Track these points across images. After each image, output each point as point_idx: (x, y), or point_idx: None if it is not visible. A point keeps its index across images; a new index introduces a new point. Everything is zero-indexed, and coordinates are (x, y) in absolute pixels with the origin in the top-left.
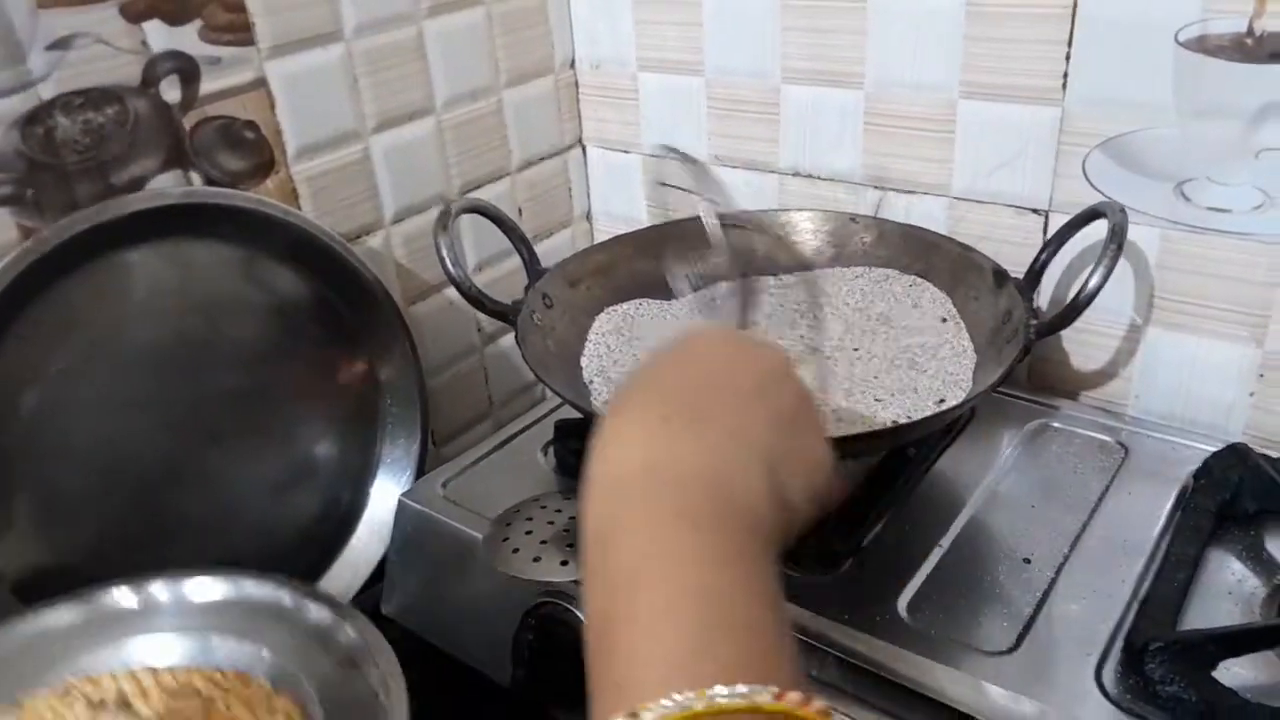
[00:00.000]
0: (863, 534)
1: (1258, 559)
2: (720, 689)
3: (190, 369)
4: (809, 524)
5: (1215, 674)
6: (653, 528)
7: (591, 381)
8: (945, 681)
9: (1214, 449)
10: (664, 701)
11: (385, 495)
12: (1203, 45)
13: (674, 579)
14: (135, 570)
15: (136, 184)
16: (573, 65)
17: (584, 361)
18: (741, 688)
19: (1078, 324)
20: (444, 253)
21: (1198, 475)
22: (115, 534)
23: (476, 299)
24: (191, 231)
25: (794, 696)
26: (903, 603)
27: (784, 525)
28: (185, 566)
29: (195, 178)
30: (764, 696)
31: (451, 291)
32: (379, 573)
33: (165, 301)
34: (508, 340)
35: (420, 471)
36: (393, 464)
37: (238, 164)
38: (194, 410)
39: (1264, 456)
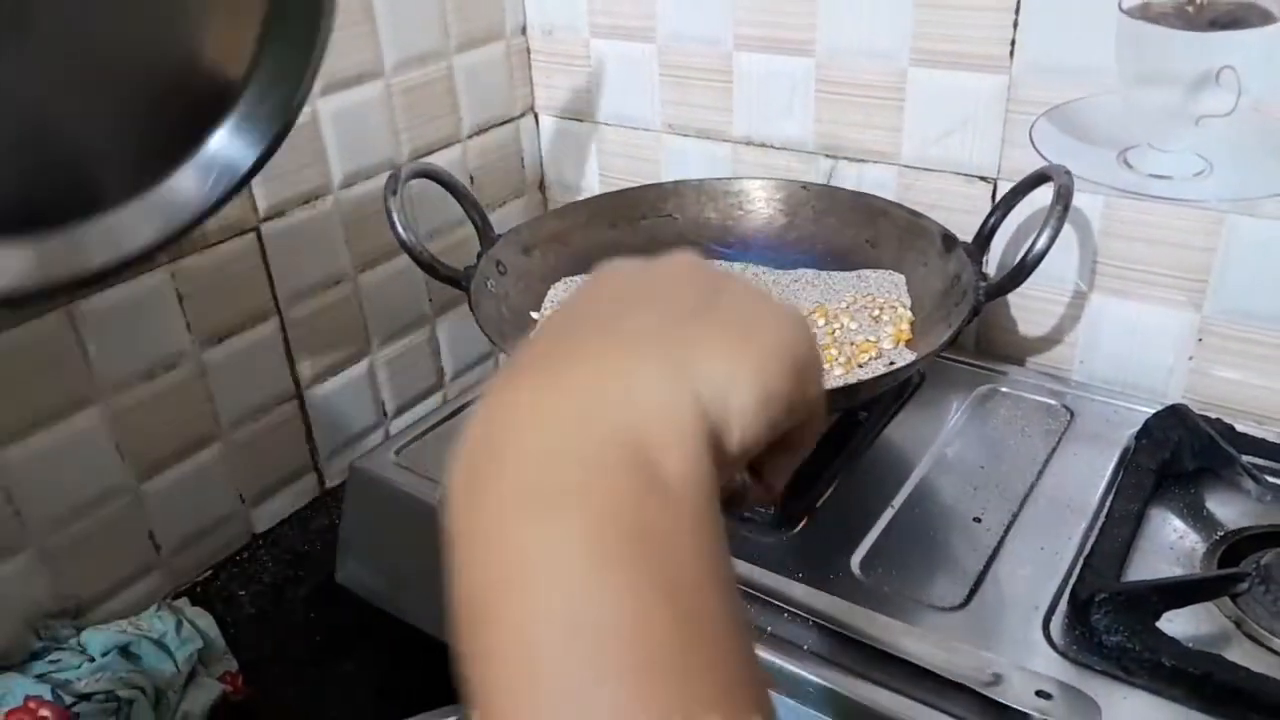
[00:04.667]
0: (816, 495)
1: (1197, 516)
2: None
3: None
4: (792, 442)
5: (1159, 625)
6: (519, 517)
7: None
8: (898, 636)
9: (1155, 411)
10: None
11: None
12: (1145, 13)
13: (549, 585)
14: None
15: None
16: (524, 31)
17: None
18: None
19: (1024, 290)
20: (395, 216)
21: (1139, 436)
22: None
23: (429, 264)
24: None
25: None
26: (855, 561)
27: (717, 445)
28: None
29: None
30: None
31: (401, 261)
32: (333, 540)
33: None
34: (459, 312)
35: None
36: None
37: None
38: None
39: (1203, 417)
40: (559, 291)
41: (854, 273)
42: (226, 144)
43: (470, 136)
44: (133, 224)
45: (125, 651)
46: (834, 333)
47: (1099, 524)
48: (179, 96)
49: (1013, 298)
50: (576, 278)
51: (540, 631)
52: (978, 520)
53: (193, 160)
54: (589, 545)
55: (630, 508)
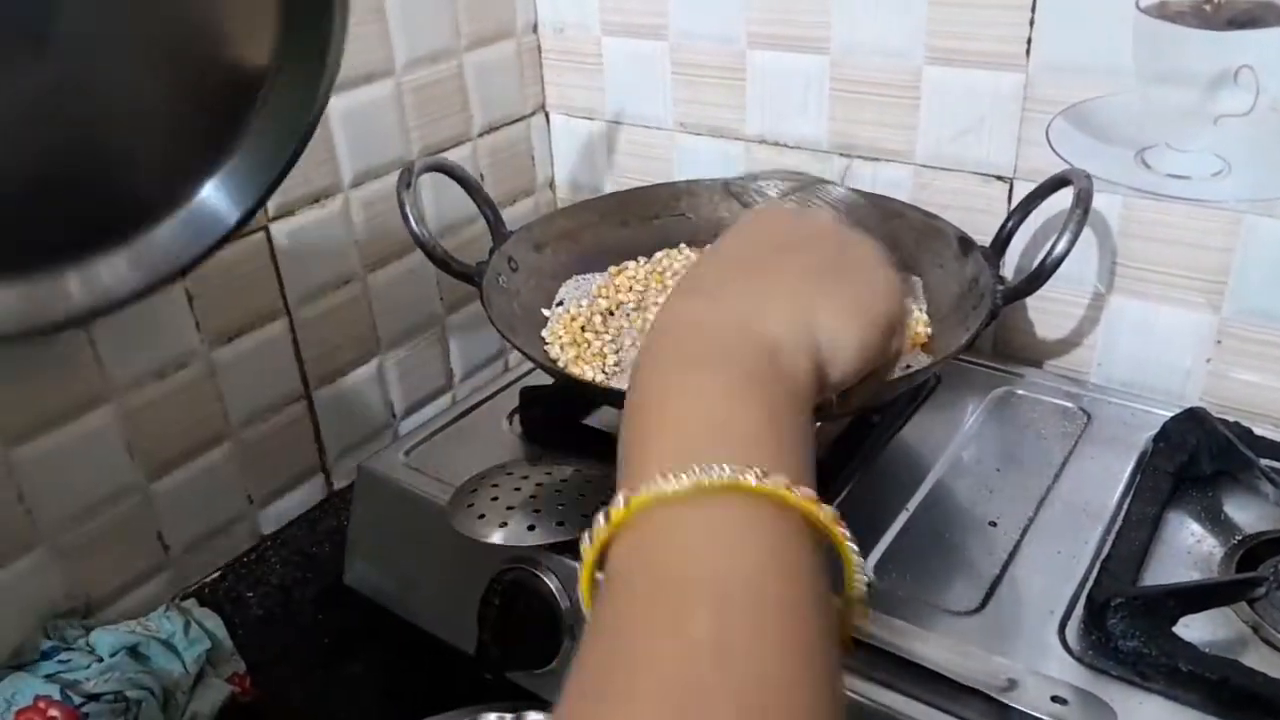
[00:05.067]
0: (830, 497)
1: (1215, 519)
2: (702, 471)
3: None
4: (869, 377)
5: (1175, 630)
6: (672, 367)
7: None
8: (912, 640)
9: (1172, 414)
10: (651, 485)
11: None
12: (1163, 11)
13: (683, 399)
14: None
15: None
16: (535, 29)
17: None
18: (724, 467)
19: (1041, 293)
20: (407, 210)
21: (1157, 439)
22: None
23: (441, 259)
24: None
25: (779, 479)
26: (870, 565)
27: (815, 370)
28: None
29: None
30: (748, 476)
31: (410, 260)
32: (341, 541)
33: None
34: (470, 310)
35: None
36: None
37: None
38: None
39: (1221, 420)
40: (570, 289)
41: None
42: (214, 195)
43: (481, 135)
44: (118, 269)
45: (134, 652)
46: None
47: (1116, 528)
48: (179, 137)
49: (1030, 299)
50: (587, 275)
51: (686, 424)
52: (993, 524)
53: (181, 211)
54: (728, 385)
55: (758, 371)
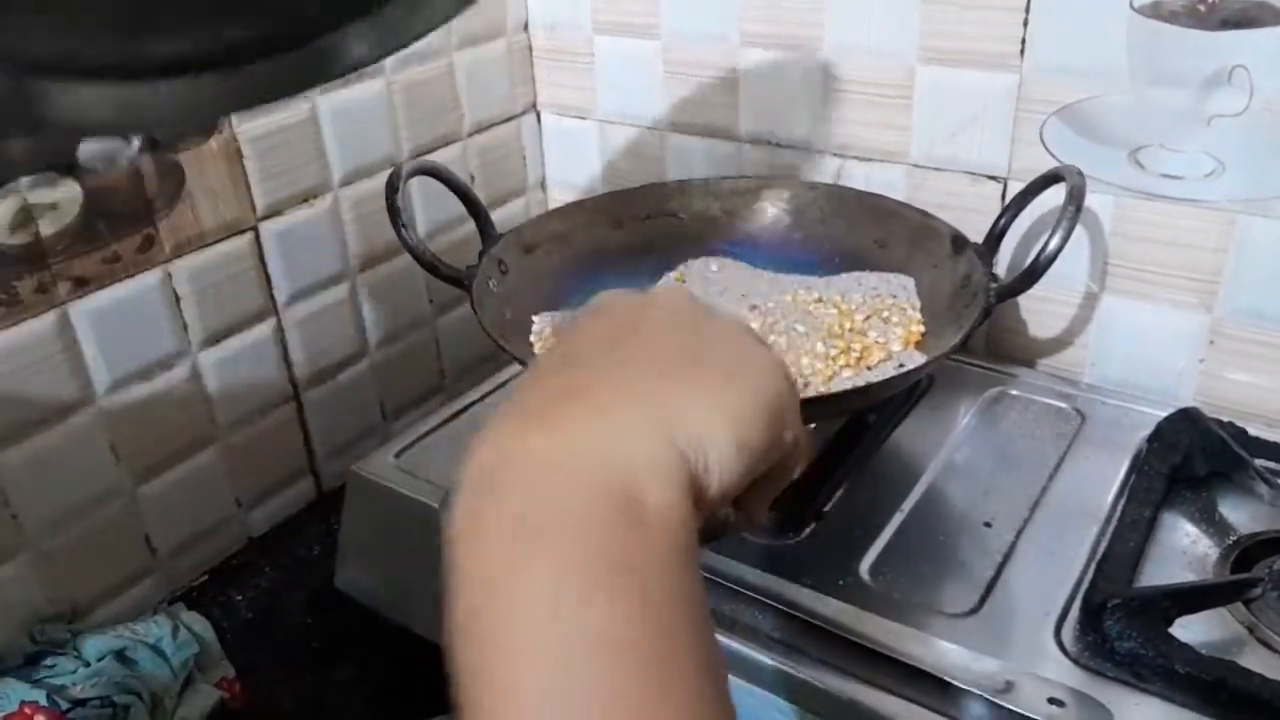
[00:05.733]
0: (824, 499)
1: (1210, 520)
2: None
3: None
4: (770, 481)
5: (1171, 631)
6: (504, 553)
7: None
8: (907, 642)
9: (1166, 414)
10: None
11: None
12: (1157, 11)
13: (530, 619)
14: None
15: None
16: (526, 28)
17: None
18: None
19: (1034, 292)
20: (395, 215)
21: (1151, 440)
22: None
23: (430, 263)
24: None
25: None
26: (865, 566)
27: (697, 493)
28: None
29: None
30: None
31: (401, 260)
32: (331, 544)
33: None
34: (460, 312)
35: None
36: None
37: None
38: None
39: (1215, 420)
40: (542, 323)
41: (861, 274)
42: None
43: (471, 134)
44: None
45: (121, 656)
46: (844, 334)
47: (1111, 529)
48: None
49: (1023, 299)
50: (556, 313)
51: (528, 649)
52: (988, 525)
53: None
54: (577, 576)
55: (614, 544)
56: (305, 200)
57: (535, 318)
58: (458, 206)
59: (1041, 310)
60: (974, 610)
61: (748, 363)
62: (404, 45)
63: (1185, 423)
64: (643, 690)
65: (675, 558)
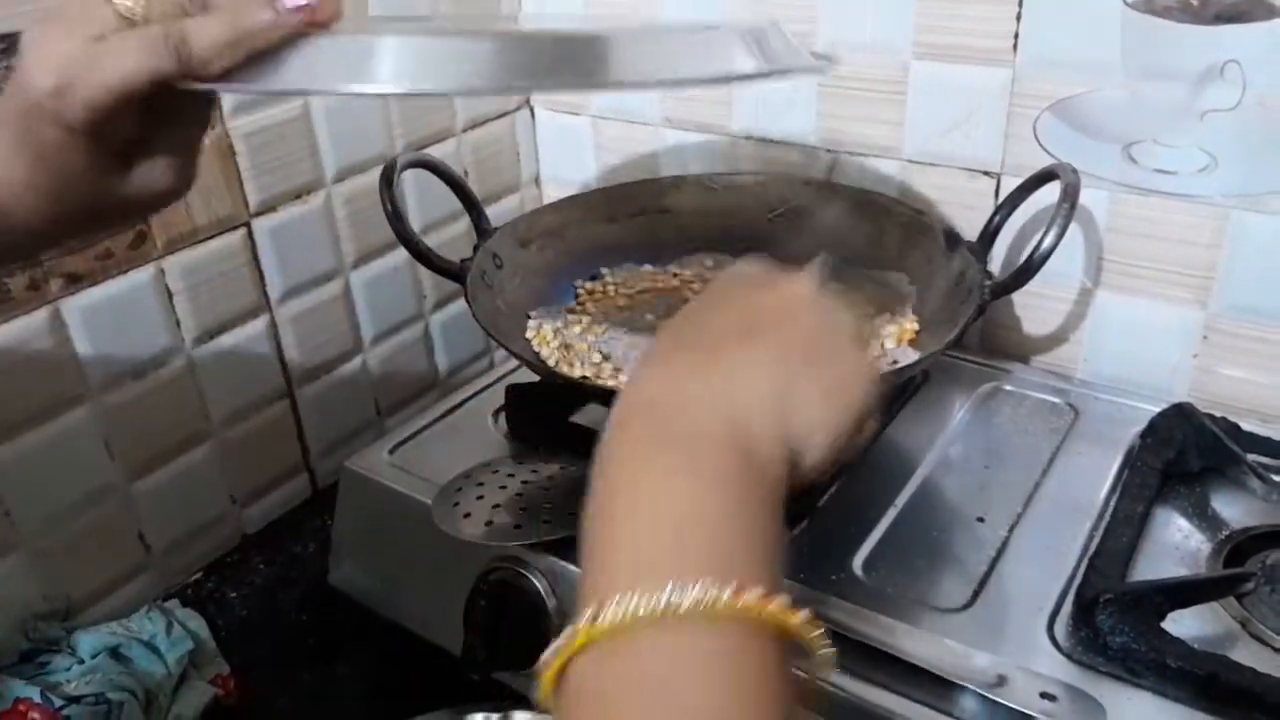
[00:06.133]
0: (818, 495)
1: (1203, 515)
2: (673, 590)
3: None
4: (837, 458)
5: (1164, 626)
6: (642, 453)
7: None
8: (901, 637)
9: (1160, 409)
10: (619, 602)
11: None
12: (1150, 6)
13: (653, 495)
14: None
15: None
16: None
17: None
18: (696, 588)
19: (1029, 288)
20: (390, 207)
21: (1144, 435)
22: None
23: (425, 256)
24: None
25: (753, 594)
26: (858, 562)
27: (787, 460)
28: None
29: None
30: (721, 596)
31: (395, 256)
32: (325, 541)
33: None
34: (454, 308)
35: None
36: None
37: None
38: None
39: (1208, 416)
40: (538, 316)
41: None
42: None
43: (465, 130)
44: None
45: (115, 653)
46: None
47: (1104, 524)
48: None
49: (1017, 295)
50: (551, 308)
51: (657, 526)
52: (981, 520)
53: None
54: (702, 483)
55: (732, 469)
56: (298, 196)
57: (531, 313)
58: (452, 202)
59: (1036, 306)
60: (967, 605)
61: (854, 371)
62: None
63: (1179, 418)
64: (731, 559)
65: (773, 499)
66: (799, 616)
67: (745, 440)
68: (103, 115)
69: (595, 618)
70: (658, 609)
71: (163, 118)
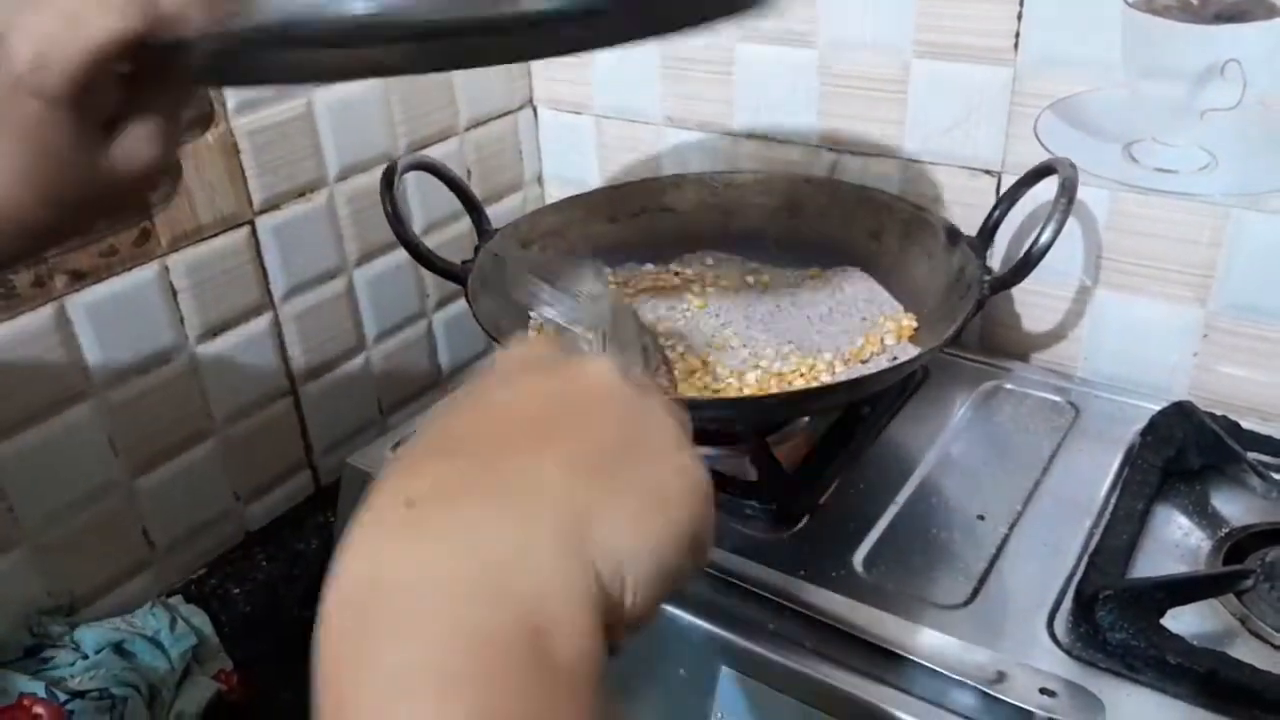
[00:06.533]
0: (819, 492)
1: (1203, 513)
2: None
3: None
4: (670, 591)
5: (1163, 622)
6: (392, 681)
7: None
8: (901, 634)
9: (1160, 407)
10: None
11: None
12: (1150, 5)
13: None
14: None
15: None
16: None
17: None
18: None
19: (1028, 286)
20: (390, 210)
21: (1144, 433)
22: None
23: (425, 258)
24: None
25: None
26: (859, 558)
27: (611, 617)
28: None
29: None
30: None
31: (397, 255)
32: (328, 538)
33: None
34: (456, 307)
35: None
36: None
37: None
38: None
39: (1208, 414)
40: (536, 319)
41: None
42: None
43: (468, 129)
44: None
45: (119, 649)
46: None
47: (1104, 521)
48: None
49: (1017, 293)
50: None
51: None
52: (981, 518)
53: None
54: (458, 691)
55: (519, 694)
56: (302, 195)
57: (532, 312)
58: (454, 203)
59: (1036, 304)
60: (967, 602)
61: (678, 479)
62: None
63: (1179, 416)
64: None
65: (577, 696)
66: None
67: (535, 627)
68: (82, 83)
69: None
70: None
71: (143, 84)
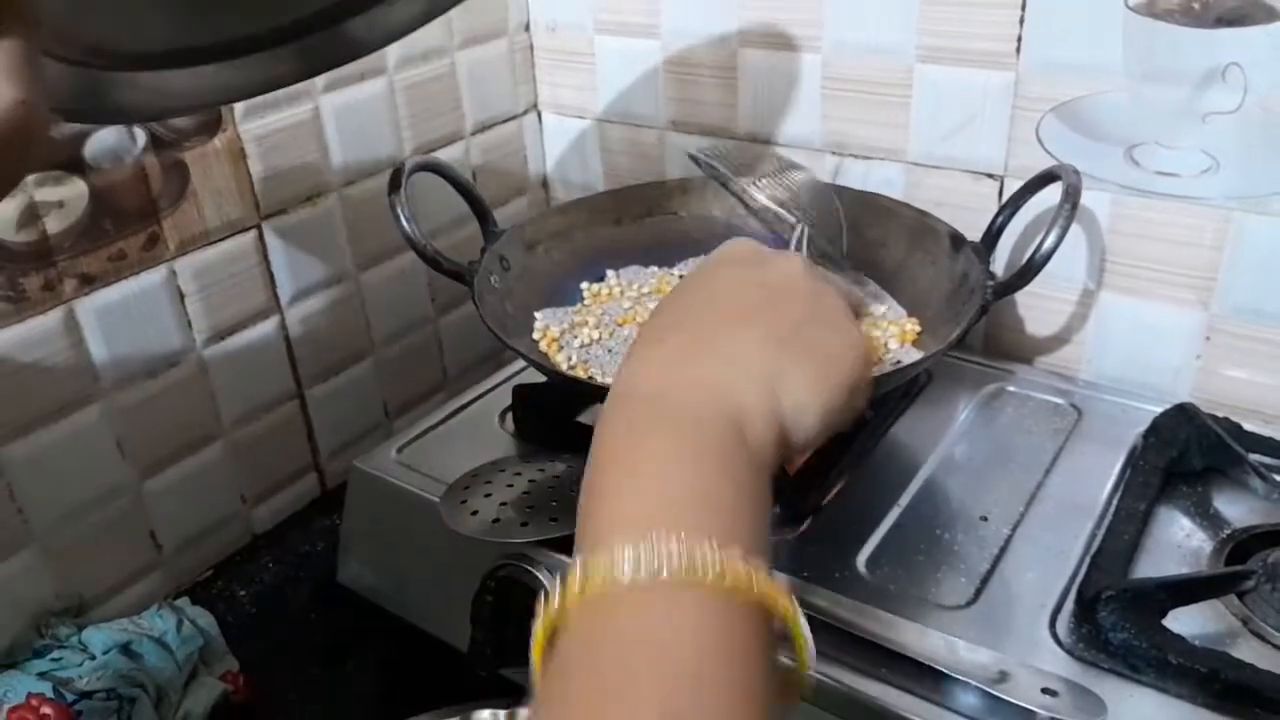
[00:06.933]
0: (822, 494)
1: (1204, 514)
2: (662, 557)
3: None
4: (830, 434)
5: (1165, 623)
6: (635, 433)
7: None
8: (904, 634)
9: (1162, 410)
10: (609, 563)
11: None
12: (1152, 9)
13: (645, 472)
14: None
15: None
16: (528, 28)
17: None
18: (685, 556)
19: (1032, 289)
20: (398, 210)
21: (1147, 435)
22: None
23: (433, 259)
24: None
25: (738, 567)
26: (862, 560)
27: (779, 439)
28: None
29: (140, 134)
30: (711, 566)
31: (403, 259)
32: (334, 540)
33: None
34: (462, 311)
35: None
36: None
37: (185, 121)
38: None
39: (1210, 416)
40: (544, 318)
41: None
42: None
43: (474, 134)
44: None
45: (126, 650)
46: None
47: (1106, 522)
48: None
49: (1020, 296)
50: (557, 309)
51: (649, 493)
52: (984, 519)
53: None
54: (695, 454)
55: (724, 442)
56: (308, 199)
57: (538, 314)
58: (460, 206)
59: (1039, 307)
60: (970, 603)
61: (846, 347)
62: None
63: (1181, 418)
64: (721, 532)
65: (762, 473)
66: (784, 597)
67: (737, 420)
68: None
69: (581, 585)
70: (647, 574)
71: None
